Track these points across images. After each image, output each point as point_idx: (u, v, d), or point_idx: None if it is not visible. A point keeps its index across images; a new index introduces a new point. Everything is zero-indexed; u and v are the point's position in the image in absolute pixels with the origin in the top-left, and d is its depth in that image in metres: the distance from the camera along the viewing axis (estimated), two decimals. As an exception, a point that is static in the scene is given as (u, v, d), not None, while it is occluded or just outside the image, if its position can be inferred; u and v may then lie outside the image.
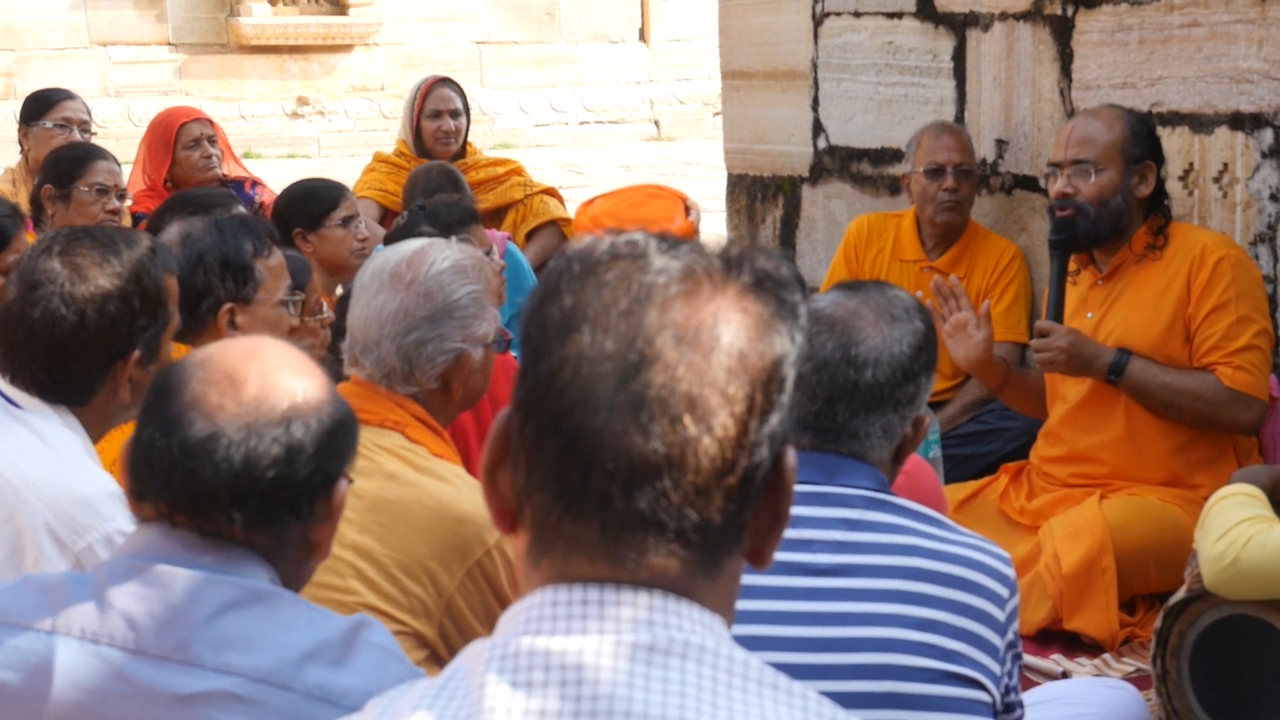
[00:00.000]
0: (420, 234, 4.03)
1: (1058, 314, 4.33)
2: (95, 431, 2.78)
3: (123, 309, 2.72)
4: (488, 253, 4.61)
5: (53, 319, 2.68)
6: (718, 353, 1.24)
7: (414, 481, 2.72)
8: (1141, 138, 4.35)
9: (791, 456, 1.32)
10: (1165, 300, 4.29)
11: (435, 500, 2.70)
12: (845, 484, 2.34)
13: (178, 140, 6.41)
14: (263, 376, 1.96)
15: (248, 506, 1.93)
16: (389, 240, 4.47)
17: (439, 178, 6.05)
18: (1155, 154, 4.37)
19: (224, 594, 1.92)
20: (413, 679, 1.90)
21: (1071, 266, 4.44)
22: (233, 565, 1.95)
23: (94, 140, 6.38)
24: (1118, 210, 4.32)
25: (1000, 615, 2.27)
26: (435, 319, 2.83)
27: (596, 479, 1.23)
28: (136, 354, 2.74)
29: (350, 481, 2.09)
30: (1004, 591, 2.29)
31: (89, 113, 6.52)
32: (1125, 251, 4.38)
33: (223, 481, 1.92)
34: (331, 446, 2.00)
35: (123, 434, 3.04)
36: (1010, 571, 2.32)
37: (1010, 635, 2.30)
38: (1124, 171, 4.30)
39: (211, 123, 6.60)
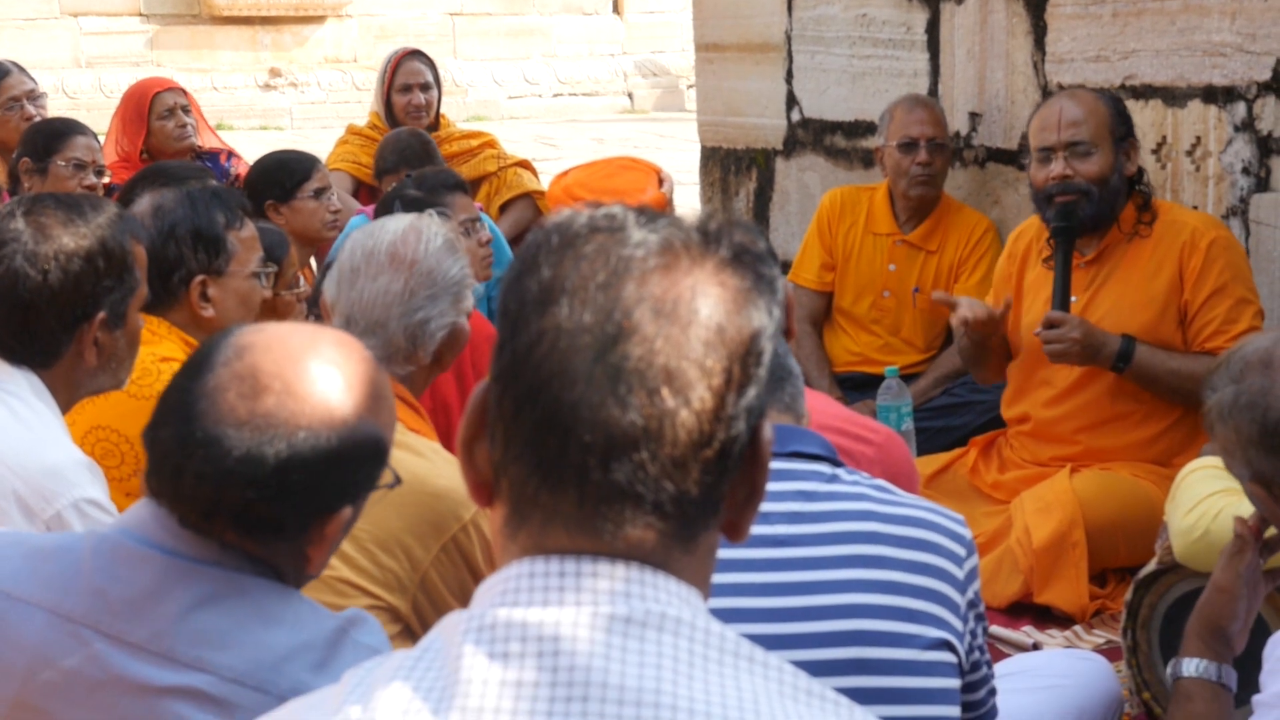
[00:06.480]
0: (405, 200, 4.08)
1: (1064, 303, 4.20)
2: (63, 399, 2.77)
3: (86, 268, 2.71)
4: (475, 220, 4.62)
5: (15, 276, 2.68)
6: (695, 326, 1.24)
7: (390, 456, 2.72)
8: (1123, 115, 4.33)
9: (768, 430, 1.32)
10: (1156, 283, 4.26)
11: (411, 475, 2.68)
12: (799, 450, 2.33)
13: (151, 110, 6.40)
14: (290, 381, 1.83)
15: (234, 518, 1.84)
16: (380, 209, 4.48)
17: (409, 140, 6.03)
18: (1132, 131, 4.37)
19: (204, 585, 1.85)
20: None
21: (1046, 252, 4.41)
22: (214, 558, 1.87)
23: (47, 102, 6.35)
24: (1115, 190, 4.28)
25: (959, 573, 2.27)
26: (436, 296, 2.90)
27: (574, 451, 1.23)
28: (101, 316, 2.73)
29: (353, 509, 1.94)
30: (960, 550, 2.28)
31: (33, 79, 6.45)
32: (1114, 232, 4.33)
33: (210, 487, 1.82)
34: (334, 474, 1.87)
35: (93, 404, 3.04)
36: (966, 531, 2.31)
37: (971, 594, 2.30)
38: (1114, 150, 4.27)
39: (185, 92, 6.58)
